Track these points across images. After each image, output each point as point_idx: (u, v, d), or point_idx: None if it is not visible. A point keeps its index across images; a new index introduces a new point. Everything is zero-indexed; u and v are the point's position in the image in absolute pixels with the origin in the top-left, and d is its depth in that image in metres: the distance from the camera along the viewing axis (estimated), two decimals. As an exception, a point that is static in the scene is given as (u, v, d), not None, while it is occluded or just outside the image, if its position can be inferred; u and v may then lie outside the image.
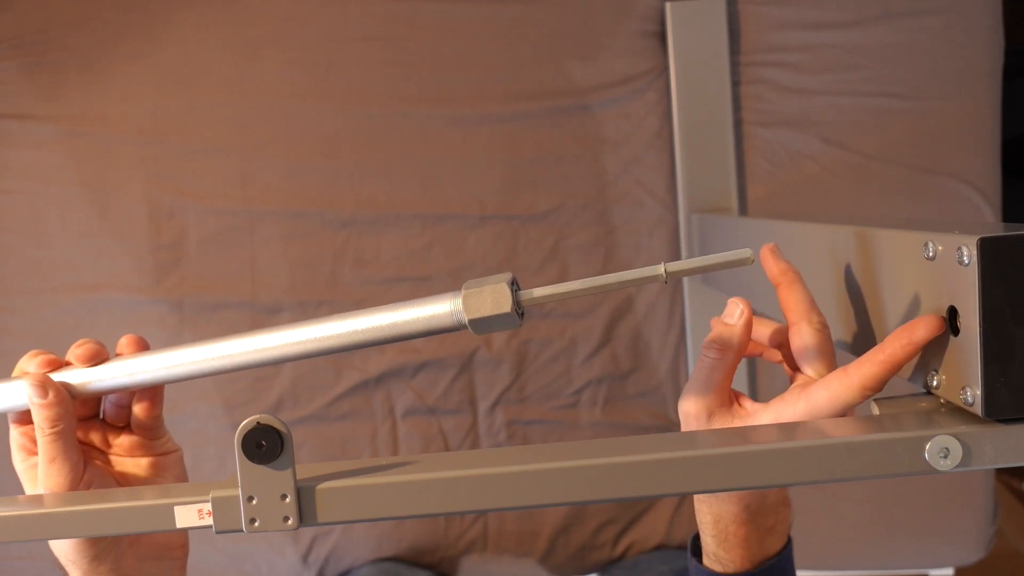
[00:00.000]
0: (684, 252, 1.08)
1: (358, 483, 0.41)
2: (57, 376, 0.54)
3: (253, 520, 0.42)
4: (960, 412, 0.41)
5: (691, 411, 0.52)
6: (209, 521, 0.42)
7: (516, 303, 0.46)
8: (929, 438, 0.39)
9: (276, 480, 0.41)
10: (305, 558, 1.11)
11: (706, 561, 0.60)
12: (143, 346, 0.56)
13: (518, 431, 1.11)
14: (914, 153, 1.06)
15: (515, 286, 0.46)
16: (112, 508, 0.45)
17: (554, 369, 1.10)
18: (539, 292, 0.46)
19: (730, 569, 0.58)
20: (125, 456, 0.58)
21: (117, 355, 0.55)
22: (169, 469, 0.58)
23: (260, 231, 1.08)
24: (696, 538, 0.62)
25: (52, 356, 0.55)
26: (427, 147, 1.08)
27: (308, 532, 1.11)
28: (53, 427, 0.52)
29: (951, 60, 1.05)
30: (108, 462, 0.58)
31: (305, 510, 0.42)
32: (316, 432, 1.10)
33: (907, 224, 0.46)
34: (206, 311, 1.09)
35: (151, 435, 0.57)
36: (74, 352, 0.54)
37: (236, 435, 0.40)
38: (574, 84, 1.07)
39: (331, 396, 1.09)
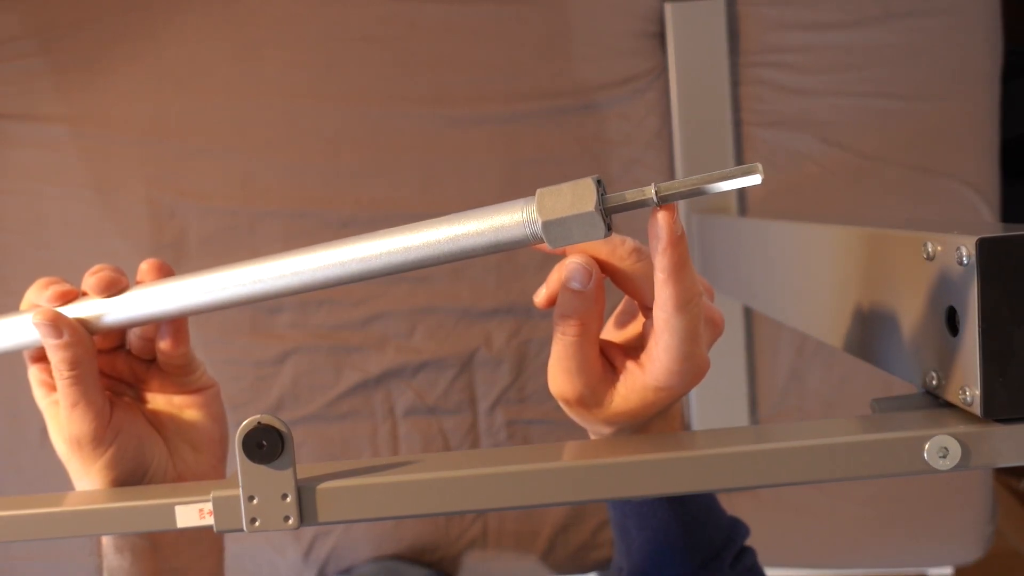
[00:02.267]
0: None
1: (358, 483, 0.41)
2: (71, 310, 0.48)
3: (254, 520, 0.42)
4: (959, 412, 0.41)
5: (570, 397, 0.46)
6: (210, 521, 0.42)
7: (602, 206, 0.39)
8: (928, 438, 0.39)
9: (277, 480, 0.41)
10: (306, 556, 1.11)
11: None
12: (166, 272, 0.49)
13: (518, 431, 1.11)
14: (914, 153, 1.06)
15: (602, 187, 0.39)
16: (112, 508, 0.45)
17: (554, 369, 1.10)
18: (632, 195, 0.39)
19: None
20: (157, 392, 0.53)
21: (138, 283, 0.49)
22: (204, 407, 0.54)
23: (260, 231, 1.08)
24: None
25: (66, 287, 0.49)
26: (427, 147, 1.08)
27: (309, 531, 1.11)
28: (72, 370, 0.47)
29: (951, 60, 1.05)
30: (140, 398, 0.53)
31: (306, 509, 0.42)
32: (316, 432, 1.10)
33: (906, 224, 0.47)
34: (206, 311, 1.09)
35: (181, 372, 0.53)
36: (88, 281, 0.48)
37: (237, 435, 0.40)
38: (574, 84, 1.07)
39: (331, 396, 1.10)
